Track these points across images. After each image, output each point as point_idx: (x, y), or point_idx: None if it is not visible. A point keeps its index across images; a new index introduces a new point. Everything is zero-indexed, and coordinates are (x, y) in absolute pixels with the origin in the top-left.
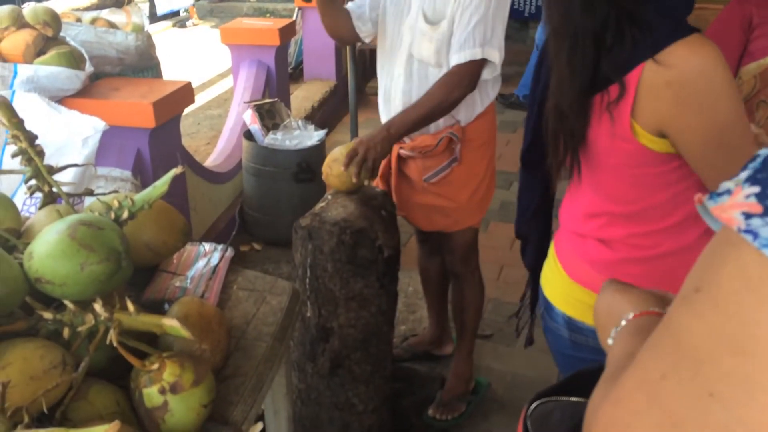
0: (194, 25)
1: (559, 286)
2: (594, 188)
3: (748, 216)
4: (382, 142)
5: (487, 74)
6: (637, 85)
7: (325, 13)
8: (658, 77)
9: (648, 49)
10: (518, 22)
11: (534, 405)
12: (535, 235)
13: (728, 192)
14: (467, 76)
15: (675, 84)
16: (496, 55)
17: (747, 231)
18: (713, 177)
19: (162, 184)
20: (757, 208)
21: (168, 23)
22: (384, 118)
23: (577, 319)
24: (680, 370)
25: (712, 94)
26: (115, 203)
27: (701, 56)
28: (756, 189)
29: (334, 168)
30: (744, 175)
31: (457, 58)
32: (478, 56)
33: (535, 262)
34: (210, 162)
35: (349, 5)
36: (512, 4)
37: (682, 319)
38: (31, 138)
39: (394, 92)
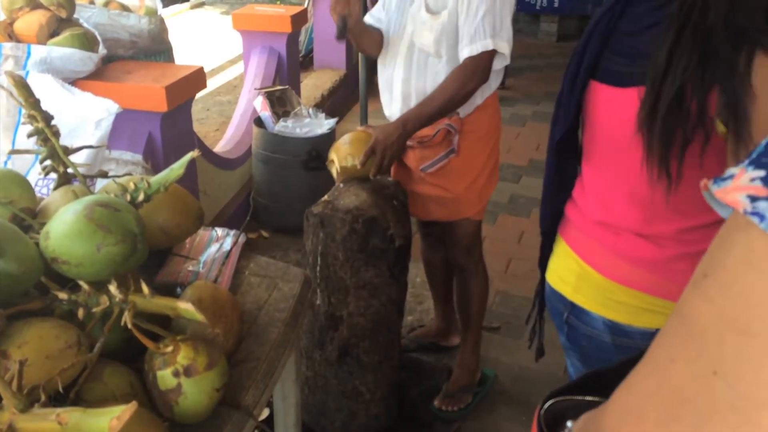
0: None
1: (592, 288)
2: (638, 177)
3: (754, 199)
4: (398, 140)
5: (496, 65)
6: None
7: (362, 44)
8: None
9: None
10: (529, 15)
11: (548, 404)
12: (544, 239)
13: (732, 176)
14: (480, 68)
15: None
16: (506, 46)
17: (754, 213)
18: None
19: (179, 167)
20: (763, 191)
21: (180, 7)
22: (385, 105)
23: (622, 322)
24: (688, 352)
25: None
26: (131, 185)
27: None
28: (761, 173)
29: (348, 168)
30: (747, 159)
31: (469, 51)
32: (490, 47)
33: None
34: (219, 148)
35: (368, 20)
36: None
37: (691, 304)
38: (47, 118)
39: (395, 80)
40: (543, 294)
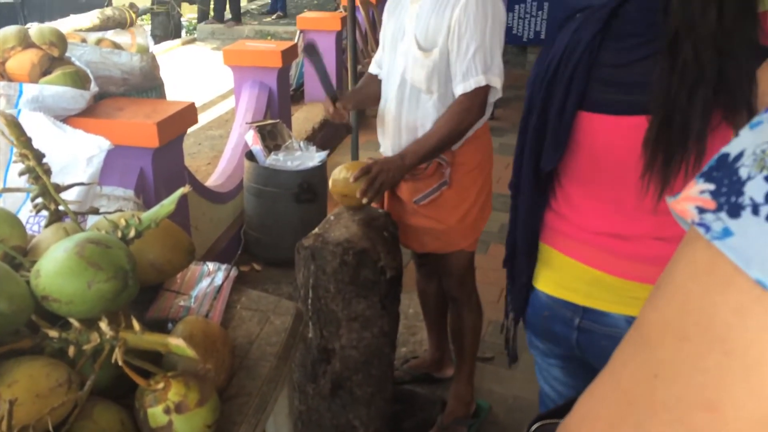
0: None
1: (609, 291)
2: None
3: (702, 210)
4: (395, 170)
5: (489, 99)
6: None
7: (365, 105)
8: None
9: None
10: (517, 47)
11: (534, 427)
12: (526, 256)
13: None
14: (475, 103)
15: None
16: (498, 81)
17: (700, 224)
18: None
19: (169, 203)
20: (711, 204)
21: (171, 44)
22: (380, 139)
23: None
24: (636, 357)
25: None
26: (122, 222)
27: None
28: (711, 186)
29: (339, 181)
30: (700, 172)
31: (463, 88)
32: (482, 83)
33: (528, 280)
34: (211, 182)
35: (374, 69)
36: (511, 30)
37: (644, 312)
38: (38, 156)
39: (387, 115)
40: (517, 304)
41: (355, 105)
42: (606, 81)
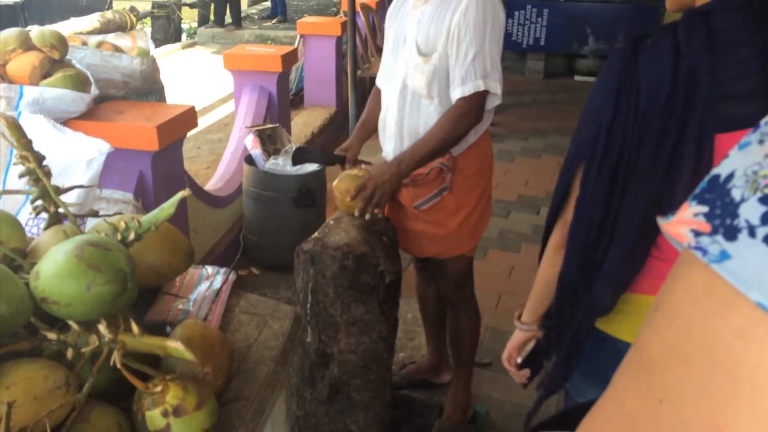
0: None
1: None
2: None
3: (697, 234)
4: (391, 179)
5: (489, 104)
6: None
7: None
8: None
9: None
10: (516, 53)
11: None
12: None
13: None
14: (472, 108)
15: None
16: (497, 86)
17: (697, 248)
18: None
19: (169, 206)
20: (706, 227)
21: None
22: (381, 144)
23: None
24: (639, 381)
25: None
26: (122, 224)
27: None
28: (704, 208)
29: (340, 188)
30: (692, 194)
31: (461, 92)
32: (481, 88)
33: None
34: (210, 186)
35: (379, 79)
36: (510, 36)
37: (643, 336)
38: (39, 158)
39: (388, 120)
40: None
41: (364, 141)
42: (732, 95)
